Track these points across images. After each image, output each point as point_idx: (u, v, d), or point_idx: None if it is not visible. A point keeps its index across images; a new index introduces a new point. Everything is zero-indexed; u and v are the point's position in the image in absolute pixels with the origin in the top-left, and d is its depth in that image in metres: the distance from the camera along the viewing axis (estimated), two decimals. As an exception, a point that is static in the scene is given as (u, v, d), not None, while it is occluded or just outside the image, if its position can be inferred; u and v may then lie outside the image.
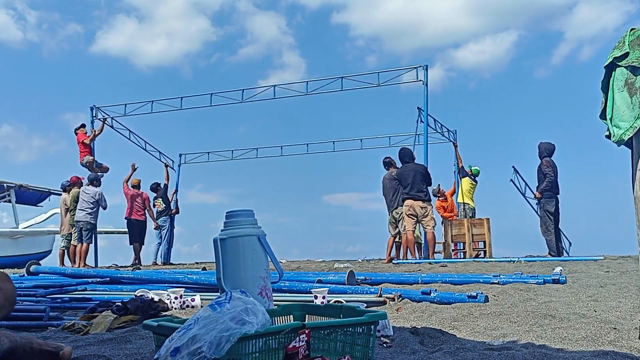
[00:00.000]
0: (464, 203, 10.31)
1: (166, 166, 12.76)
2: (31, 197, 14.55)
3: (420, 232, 8.91)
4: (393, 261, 7.94)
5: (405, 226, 8.21)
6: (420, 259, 8.25)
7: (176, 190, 12.83)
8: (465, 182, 10.34)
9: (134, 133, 12.78)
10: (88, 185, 9.59)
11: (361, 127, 20.86)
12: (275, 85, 11.19)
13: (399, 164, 8.67)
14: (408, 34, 22.86)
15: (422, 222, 8.17)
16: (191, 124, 20.81)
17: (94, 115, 11.78)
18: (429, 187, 8.53)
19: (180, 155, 14.46)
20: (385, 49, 21.57)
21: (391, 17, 22.61)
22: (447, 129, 11.75)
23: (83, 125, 10.86)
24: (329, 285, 3.72)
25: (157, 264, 10.60)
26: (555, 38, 20.88)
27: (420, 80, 9.89)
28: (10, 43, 20.67)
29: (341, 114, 19.45)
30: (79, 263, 9.27)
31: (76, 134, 10.64)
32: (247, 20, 22.15)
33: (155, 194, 11.18)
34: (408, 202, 8.11)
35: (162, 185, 11.48)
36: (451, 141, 11.50)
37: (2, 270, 1.72)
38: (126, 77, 21.23)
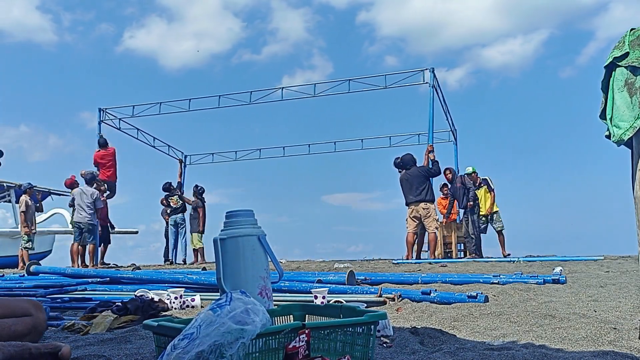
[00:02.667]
0: (493, 213, 9.43)
1: (180, 162, 12.84)
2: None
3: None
4: (392, 261, 7.96)
5: (407, 227, 8.48)
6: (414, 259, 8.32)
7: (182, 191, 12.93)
8: (484, 194, 9.42)
9: (141, 131, 12.83)
10: (86, 185, 9.64)
11: (369, 128, 20.97)
12: (283, 87, 11.23)
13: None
14: (435, 33, 22.93)
15: (425, 222, 8.27)
16: (197, 125, 20.94)
17: (102, 117, 11.82)
18: (433, 179, 8.64)
19: (185, 156, 14.53)
20: (411, 48, 21.68)
21: (418, 16, 22.67)
22: (451, 129, 11.77)
23: (105, 145, 10.77)
24: (329, 285, 3.72)
25: (173, 263, 10.65)
26: (585, 38, 20.79)
27: (426, 83, 9.92)
28: (46, 45, 20.81)
29: (347, 115, 19.57)
30: (96, 263, 9.39)
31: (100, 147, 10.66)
32: (275, 18, 22.20)
33: (167, 193, 11.23)
34: (412, 206, 8.37)
35: (174, 184, 11.57)
36: (452, 134, 11.38)
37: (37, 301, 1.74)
38: (151, 78, 21.36)
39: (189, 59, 23.45)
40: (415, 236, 8.51)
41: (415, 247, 8.78)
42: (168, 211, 11.27)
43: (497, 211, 9.44)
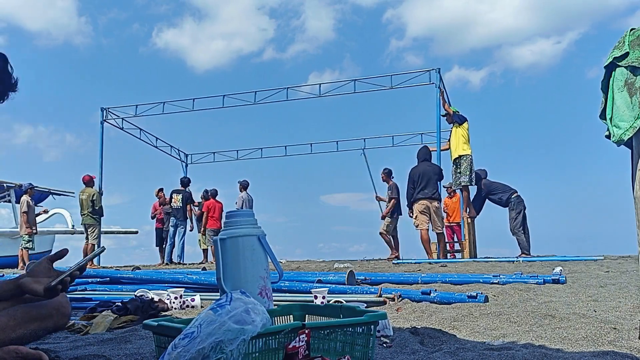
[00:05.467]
0: (464, 156, 8.63)
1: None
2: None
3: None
4: (393, 261, 7.95)
5: (418, 224, 8.22)
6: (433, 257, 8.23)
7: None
8: (465, 127, 8.72)
9: (144, 131, 12.86)
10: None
11: (373, 127, 21.00)
12: (287, 88, 11.22)
13: (414, 162, 8.60)
14: (464, 32, 22.94)
15: (432, 222, 8.20)
16: (199, 124, 20.97)
17: (104, 116, 11.82)
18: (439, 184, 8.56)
19: (186, 155, 14.53)
20: (440, 47, 21.69)
21: (448, 15, 22.67)
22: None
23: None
24: (329, 285, 3.72)
25: (178, 263, 10.71)
26: (617, 37, 20.68)
27: (432, 83, 9.92)
28: (78, 46, 20.97)
29: (351, 115, 19.59)
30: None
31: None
32: (305, 15, 22.17)
33: (179, 189, 11.18)
34: (423, 202, 8.13)
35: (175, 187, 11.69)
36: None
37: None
38: (179, 78, 21.37)
39: (218, 59, 23.53)
40: (427, 233, 8.33)
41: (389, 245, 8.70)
42: (165, 206, 11.22)
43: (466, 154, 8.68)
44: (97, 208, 9.81)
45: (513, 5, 23.14)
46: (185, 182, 11.25)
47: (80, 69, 21.80)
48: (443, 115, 9.32)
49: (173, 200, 10.89)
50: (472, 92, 19.02)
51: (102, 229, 10.66)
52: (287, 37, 22.32)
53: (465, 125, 8.76)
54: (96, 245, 9.80)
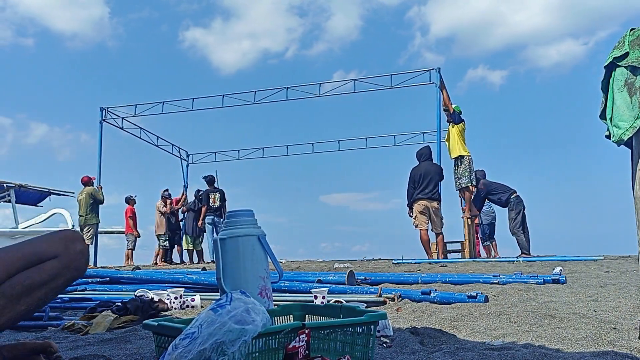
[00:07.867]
0: (462, 157, 8.74)
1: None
2: (31, 197, 14.52)
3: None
4: (393, 261, 7.95)
5: (417, 224, 8.19)
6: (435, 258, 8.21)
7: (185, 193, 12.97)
8: (460, 127, 8.76)
9: (145, 130, 12.88)
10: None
11: (374, 127, 20.97)
12: (287, 87, 11.23)
13: (415, 162, 8.56)
14: (488, 33, 22.93)
15: (432, 222, 8.19)
16: (200, 124, 20.96)
17: (104, 116, 11.83)
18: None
19: (187, 155, 14.53)
20: (466, 47, 21.68)
21: (474, 13, 22.67)
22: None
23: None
24: (329, 285, 3.72)
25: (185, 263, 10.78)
26: None
27: (433, 83, 9.93)
28: (109, 46, 20.95)
29: (352, 115, 19.59)
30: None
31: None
32: (328, 13, 22.12)
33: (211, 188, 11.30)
34: (422, 202, 8.10)
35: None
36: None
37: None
38: (204, 78, 21.32)
39: (244, 59, 23.58)
40: (427, 233, 8.29)
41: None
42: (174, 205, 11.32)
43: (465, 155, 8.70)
44: (98, 199, 9.91)
45: (542, 5, 23.10)
46: (211, 179, 11.28)
47: (103, 69, 21.85)
48: (444, 110, 9.34)
49: (211, 199, 10.94)
50: (492, 92, 19.05)
51: (103, 229, 10.69)
52: (313, 36, 22.32)
53: (460, 126, 8.79)
54: (91, 246, 9.84)
